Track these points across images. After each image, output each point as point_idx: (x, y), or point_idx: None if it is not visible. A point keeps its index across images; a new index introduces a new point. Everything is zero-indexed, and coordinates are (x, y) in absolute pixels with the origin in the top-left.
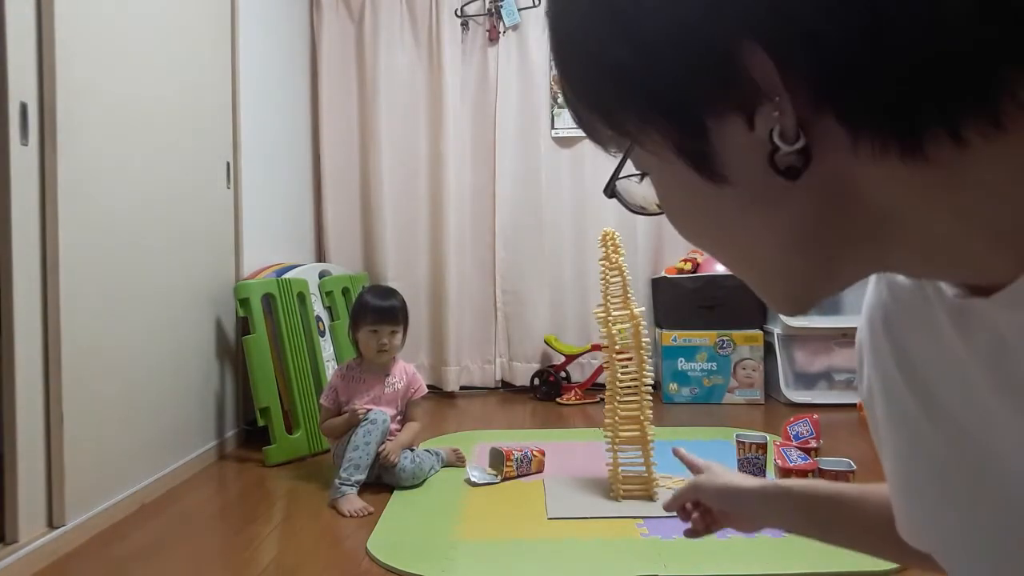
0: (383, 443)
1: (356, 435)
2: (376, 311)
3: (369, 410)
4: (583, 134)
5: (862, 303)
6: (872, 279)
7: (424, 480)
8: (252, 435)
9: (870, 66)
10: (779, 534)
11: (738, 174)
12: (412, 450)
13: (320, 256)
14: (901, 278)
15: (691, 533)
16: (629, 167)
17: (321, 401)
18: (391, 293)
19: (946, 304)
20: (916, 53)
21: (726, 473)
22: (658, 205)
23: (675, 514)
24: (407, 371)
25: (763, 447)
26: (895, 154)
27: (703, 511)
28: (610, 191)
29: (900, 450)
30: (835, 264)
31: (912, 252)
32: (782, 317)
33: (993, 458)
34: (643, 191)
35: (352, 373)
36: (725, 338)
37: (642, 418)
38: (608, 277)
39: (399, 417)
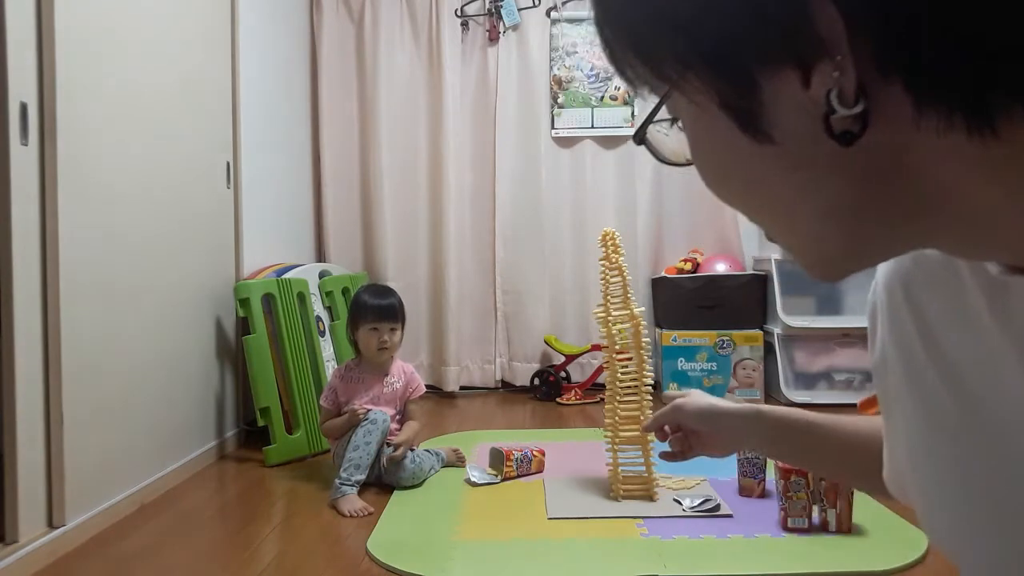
0: (383, 443)
1: (356, 435)
2: (375, 309)
3: (369, 410)
4: (618, 74)
5: (862, 303)
6: None
7: (424, 480)
8: (252, 435)
9: (946, 33)
10: (779, 534)
11: (785, 134)
12: (412, 450)
13: (320, 256)
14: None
15: (668, 456)
16: (662, 112)
17: (320, 402)
18: (388, 291)
19: (985, 279)
20: (997, 22)
21: (706, 396)
22: (688, 159)
23: (653, 435)
24: (405, 370)
25: None
26: (961, 128)
27: (682, 434)
28: (640, 138)
29: (913, 415)
30: (875, 238)
31: (959, 231)
32: (782, 317)
33: (1012, 435)
34: (673, 142)
35: (351, 373)
36: (725, 338)
37: (642, 418)
38: (608, 277)
39: (398, 417)
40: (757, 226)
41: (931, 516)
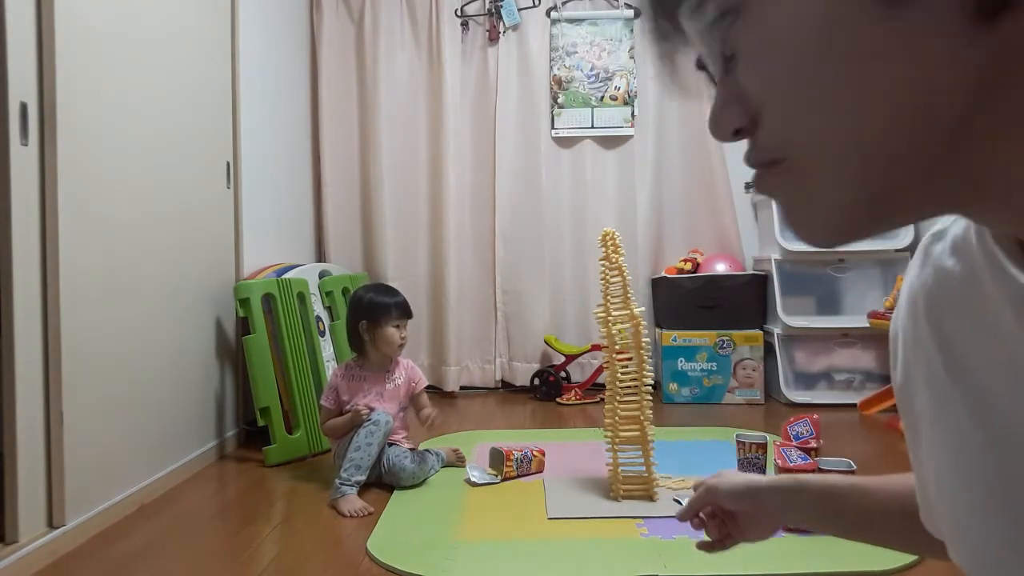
0: (384, 444)
1: (358, 435)
2: (397, 306)
3: (372, 410)
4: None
5: (861, 304)
6: (916, 264)
7: (424, 480)
8: (252, 435)
9: None
10: (779, 534)
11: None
12: (413, 450)
13: (320, 256)
14: (951, 263)
15: (707, 546)
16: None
17: (321, 402)
18: (392, 288)
19: (1009, 288)
20: None
21: (739, 474)
22: (727, 57)
23: (689, 524)
24: (406, 367)
25: (763, 447)
26: None
27: (719, 519)
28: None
29: (938, 441)
30: (918, 186)
31: None
32: (782, 317)
33: None
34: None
35: (352, 372)
36: (725, 338)
37: (642, 418)
38: (608, 277)
39: (401, 414)
40: (793, 145)
41: (956, 538)
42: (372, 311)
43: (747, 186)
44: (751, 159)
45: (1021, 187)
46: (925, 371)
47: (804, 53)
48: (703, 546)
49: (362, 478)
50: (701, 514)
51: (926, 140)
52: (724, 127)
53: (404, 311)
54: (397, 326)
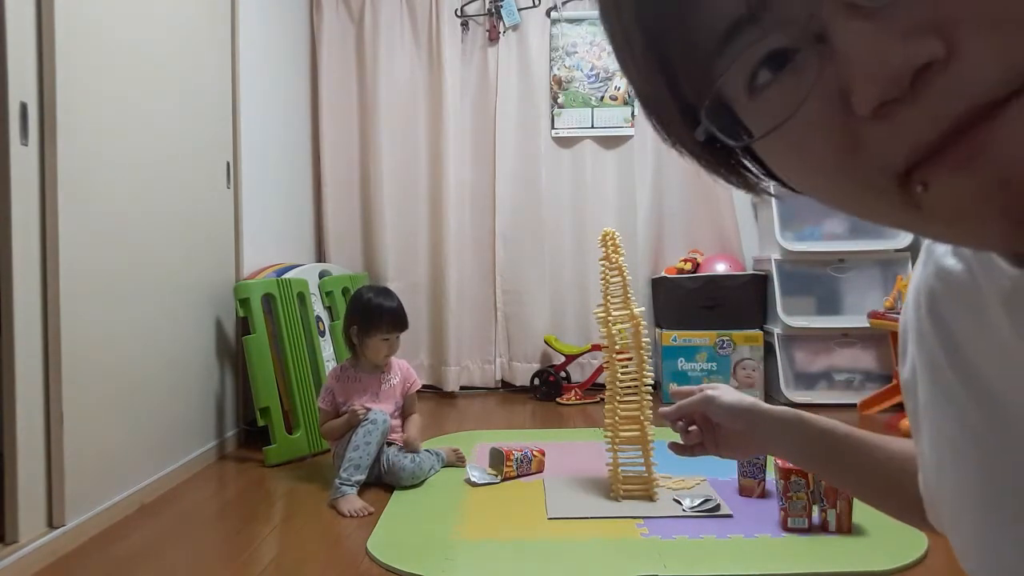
0: (383, 443)
1: (356, 435)
2: (390, 319)
3: (368, 410)
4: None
5: (861, 304)
6: (920, 262)
7: (424, 480)
8: (252, 435)
9: None
10: (779, 534)
11: None
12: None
13: (320, 256)
14: (951, 261)
15: (678, 448)
16: None
17: (319, 404)
18: (391, 294)
19: (1000, 284)
20: None
21: (737, 392)
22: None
23: (671, 425)
24: (401, 367)
25: None
26: None
27: (698, 429)
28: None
29: (942, 433)
30: None
31: None
32: (782, 317)
33: None
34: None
35: (347, 374)
36: (725, 338)
37: (642, 418)
38: (608, 277)
39: (397, 413)
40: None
41: (957, 529)
42: (364, 318)
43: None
44: (958, 99)
45: None
46: (929, 366)
47: None
48: (673, 447)
49: (361, 477)
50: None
51: None
52: (915, 58)
53: (395, 324)
54: (386, 339)
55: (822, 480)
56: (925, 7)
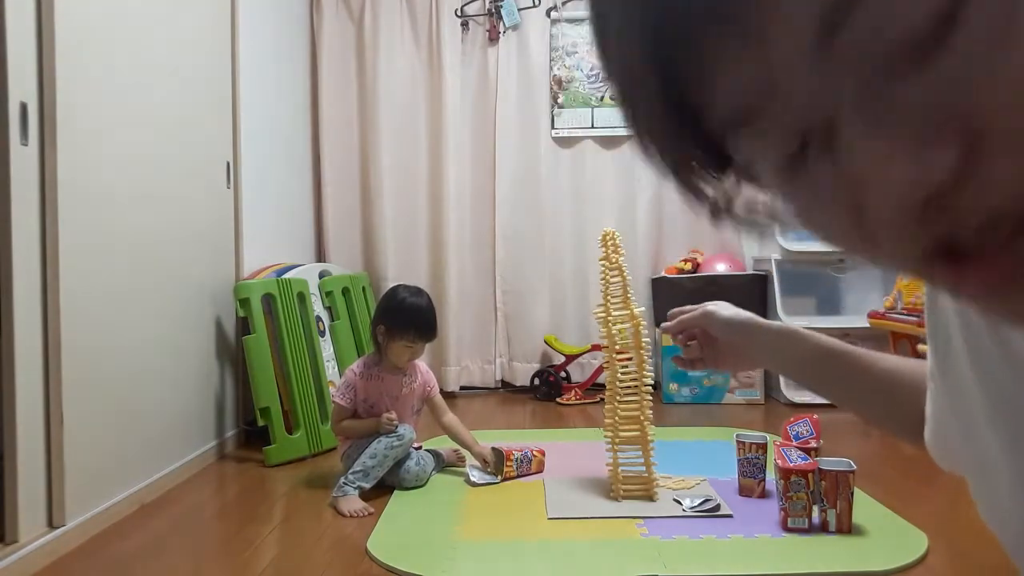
0: (399, 459)
1: (379, 443)
2: (418, 327)
3: (398, 424)
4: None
5: (862, 304)
6: None
7: (426, 481)
8: (252, 435)
9: None
10: (779, 534)
11: None
12: (417, 449)
13: (320, 256)
14: None
15: (680, 361)
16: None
17: (337, 399)
18: (425, 299)
19: None
20: None
21: (735, 308)
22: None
23: (671, 338)
24: (420, 368)
25: (763, 447)
26: None
27: (698, 343)
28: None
29: (974, 390)
30: None
31: None
32: (782, 317)
33: None
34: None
35: (371, 371)
36: None
37: (642, 418)
38: (608, 277)
39: (414, 416)
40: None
41: (982, 487)
42: (393, 320)
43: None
44: (963, 223)
45: None
46: (968, 329)
47: None
48: (676, 360)
49: (367, 485)
50: (679, 336)
51: None
52: (930, 179)
53: (422, 333)
54: (410, 346)
55: (818, 394)
56: (945, 124)
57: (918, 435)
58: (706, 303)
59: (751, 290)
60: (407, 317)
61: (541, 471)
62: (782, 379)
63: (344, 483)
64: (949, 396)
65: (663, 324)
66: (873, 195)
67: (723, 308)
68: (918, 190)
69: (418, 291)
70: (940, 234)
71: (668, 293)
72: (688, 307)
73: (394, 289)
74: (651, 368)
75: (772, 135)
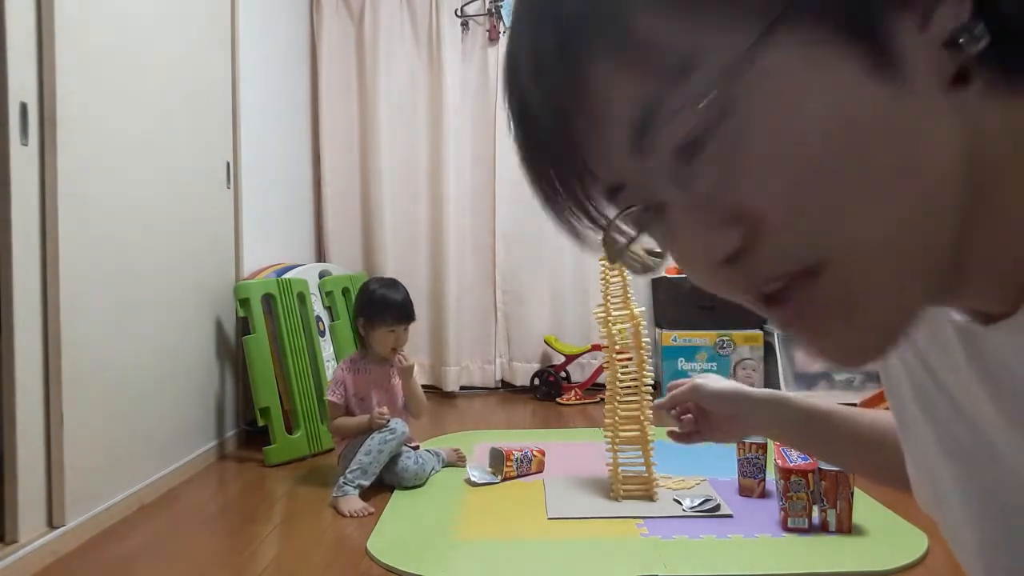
0: (396, 452)
1: (372, 440)
2: (395, 311)
3: (389, 419)
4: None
5: None
6: None
7: (425, 480)
8: (252, 435)
9: None
10: (779, 534)
11: (913, 70)
12: (416, 448)
13: (320, 256)
14: None
15: (675, 436)
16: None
17: (330, 397)
18: (398, 285)
19: (955, 323)
20: None
21: (723, 379)
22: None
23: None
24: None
25: (763, 447)
26: None
27: (692, 417)
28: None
29: (927, 438)
30: (944, 267)
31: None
32: None
33: (997, 459)
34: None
35: (357, 366)
36: (725, 338)
37: (642, 418)
38: (608, 277)
39: (403, 409)
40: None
41: (953, 530)
42: (370, 310)
43: (764, 329)
44: (762, 281)
45: (1004, 276)
46: (913, 380)
47: (819, 148)
48: (671, 434)
49: (366, 483)
50: (677, 409)
51: (946, 223)
52: (719, 250)
53: (401, 315)
54: (392, 330)
55: (811, 456)
56: (724, 208)
57: (908, 485)
58: (695, 377)
59: None
60: (383, 303)
61: (541, 471)
62: (782, 379)
63: (343, 483)
64: (909, 449)
65: (656, 401)
66: (692, 255)
67: (712, 380)
68: (715, 256)
69: (391, 281)
70: (748, 285)
71: (668, 293)
72: (679, 380)
73: (365, 283)
74: (651, 368)
75: (630, 201)
